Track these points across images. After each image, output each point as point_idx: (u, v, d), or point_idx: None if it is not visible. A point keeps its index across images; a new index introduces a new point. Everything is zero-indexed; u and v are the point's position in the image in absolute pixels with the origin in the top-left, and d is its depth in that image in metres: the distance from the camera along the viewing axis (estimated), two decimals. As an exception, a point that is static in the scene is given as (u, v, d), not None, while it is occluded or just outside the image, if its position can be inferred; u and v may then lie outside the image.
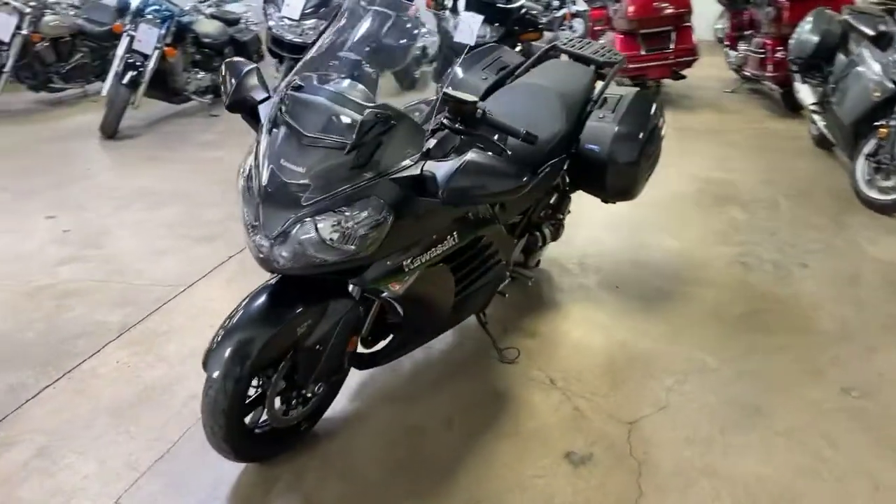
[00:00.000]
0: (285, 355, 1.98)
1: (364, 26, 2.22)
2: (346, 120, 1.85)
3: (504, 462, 2.19)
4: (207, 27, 6.49)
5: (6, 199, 4.40)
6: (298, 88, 1.94)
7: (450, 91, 1.98)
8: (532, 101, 2.83)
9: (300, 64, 2.02)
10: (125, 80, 5.53)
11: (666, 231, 3.92)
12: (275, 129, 1.90)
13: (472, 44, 2.10)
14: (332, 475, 2.13)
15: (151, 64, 5.72)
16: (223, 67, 2.11)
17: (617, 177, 2.84)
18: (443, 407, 2.45)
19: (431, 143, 1.91)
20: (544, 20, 6.75)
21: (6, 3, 6.10)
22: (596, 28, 8.40)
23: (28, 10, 6.16)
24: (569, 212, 3.16)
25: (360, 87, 2.01)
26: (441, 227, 2.02)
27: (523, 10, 6.04)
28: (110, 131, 5.60)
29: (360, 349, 2.24)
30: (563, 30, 7.74)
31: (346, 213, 1.78)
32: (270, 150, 1.88)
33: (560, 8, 8.02)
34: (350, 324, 2.05)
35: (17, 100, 6.72)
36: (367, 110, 1.81)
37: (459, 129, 1.94)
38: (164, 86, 6.09)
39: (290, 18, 5.51)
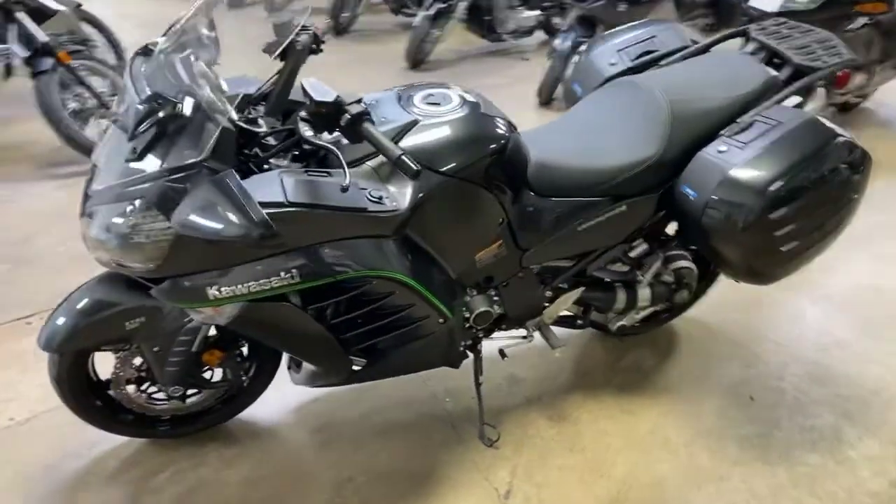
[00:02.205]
0: (120, 344, 1.81)
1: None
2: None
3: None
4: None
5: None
6: (147, 52, 1.63)
7: (307, 83, 1.47)
8: (627, 109, 1.99)
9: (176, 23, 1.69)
10: (431, 12, 5.59)
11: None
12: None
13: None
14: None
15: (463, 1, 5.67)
16: None
17: (719, 244, 1.87)
18: (356, 461, 2.02)
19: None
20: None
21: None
22: None
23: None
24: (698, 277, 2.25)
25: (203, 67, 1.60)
26: (270, 255, 1.54)
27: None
28: (412, 60, 5.79)
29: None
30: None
31: (122, 212, 1.46)
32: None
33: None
34: (193, 336, 1.77)
35: (382, 21, 7.36)
36: (148, 93, 1.44)
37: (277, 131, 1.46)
38: (480, 21, 6.00)
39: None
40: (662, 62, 2.21)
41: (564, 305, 2.14)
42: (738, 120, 1.92)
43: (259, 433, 2.15)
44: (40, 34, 3.68)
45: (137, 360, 1.88)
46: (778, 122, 1.86)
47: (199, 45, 1.64)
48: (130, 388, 1.92)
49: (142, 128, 1.42)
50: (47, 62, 3.68)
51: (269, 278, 1.54)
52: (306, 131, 1.49)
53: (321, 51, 1.80)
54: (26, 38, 3.69)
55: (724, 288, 2.41)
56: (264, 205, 1.43)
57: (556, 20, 6.06)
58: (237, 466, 2.02)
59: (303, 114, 1.52)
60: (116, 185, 1.47)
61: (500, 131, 1.76)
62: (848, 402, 2.25)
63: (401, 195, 1.62)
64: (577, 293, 2.13)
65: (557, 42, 4.80)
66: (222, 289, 1.54)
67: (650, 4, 4.68)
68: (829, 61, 2.01)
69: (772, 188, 1.77)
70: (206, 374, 1.95)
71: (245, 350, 1.99)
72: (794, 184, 1.78)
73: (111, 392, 1.92)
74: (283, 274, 1.55)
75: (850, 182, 1.87)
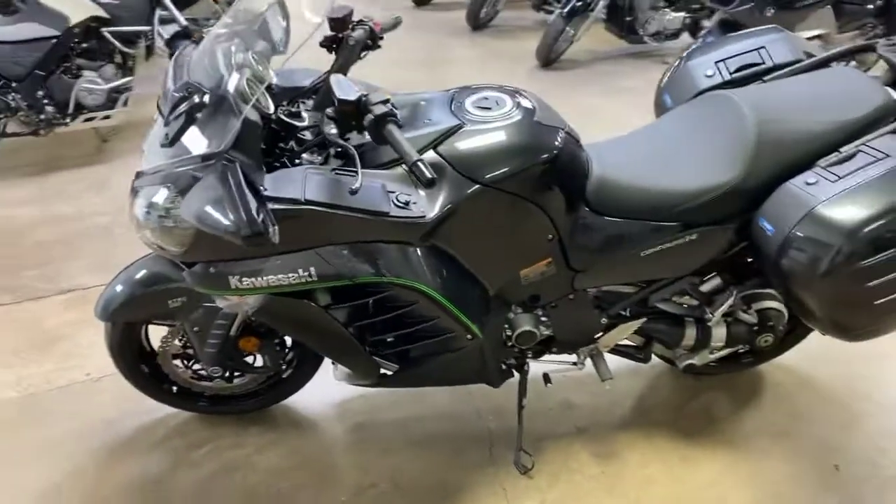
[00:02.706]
0: (164, 320, 1.88)
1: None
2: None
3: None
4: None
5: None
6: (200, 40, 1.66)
7: (334, 79, 1.44)
8: (711, 127, 1.79)
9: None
10: (565, 10, 5.41)
11: None
12: None
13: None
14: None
15: (603, -1, 5.44)
16: None
17: (798, 290, 1.64)
18: (384, 467, 1.99)
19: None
20: None
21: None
22: None
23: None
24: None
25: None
26: (285, 251, 1.52)
27: None
28: (543, 59, 5.64)
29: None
30: None
31: (157, 195, 1.50)
32: None
33: None
34: (230, 320, 1.80)
35: (523, 17, 7.23)
36: (183, 80, 1.46)
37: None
38: (620, 21, 5.74)
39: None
40: (767, 77, 1.96)
41: (623, 335, 1.97)
42: (840, 149, 1.66)
43: (298, 422, 2.17)
44: (181, 18, 3.93)
45: (180, 341, 1.95)
46: (886, 155, 1.59)
47: (258, 34, 1.66)
48: (177, 363, 2.00)
49: (174, 115, 1.45)
50: (183, 44, 3.93)
51: (287, 274, 1.53)
52: (331, 129, 1.46)
53: (378, 46, 1.76)
54: (168, 21, 3.96)
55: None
56: (280, 200, 1.41)
57: (705, 23, 5.68)
58: (270, 453, 2.05)
59: (329, 111, 1.49)
60: (152, 168, 1.51)
61: (550, 141, 1.63)
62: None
63: (431, 202, 1.55)
64: (637, 324, 1.95)
65: (698, 41, 4.48)
66: (244, 280, 1.54)
67: (804, 11, 4.24)
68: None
69: (865, 230, 1.52)
70: (248, 360, 1.98)
71: (288, 340, 2.01)
72: (890, 234, 1.51)
73: (159, 363, 2.00)
74: (300, 272, 1.53)
75: None
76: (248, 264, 1.53)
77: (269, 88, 1.63)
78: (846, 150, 1.65)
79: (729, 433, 2.12)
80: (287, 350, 2.02)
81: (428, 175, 1.33)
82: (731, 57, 2.02)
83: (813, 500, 1.90)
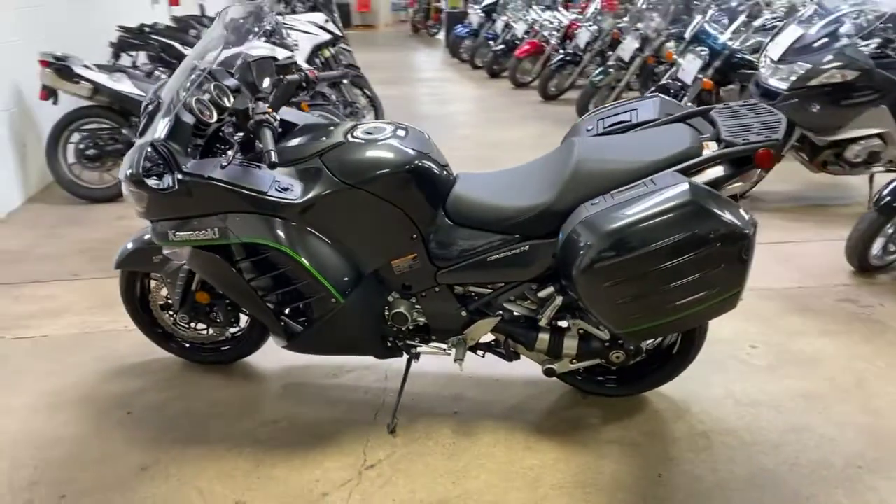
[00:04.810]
0: (152, 272, 2.61)
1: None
2: None
3: None
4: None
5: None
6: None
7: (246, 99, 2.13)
8: (552, 162, 2.27)
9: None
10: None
11: None
12: None
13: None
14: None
15: (689, 94, 5.80)
16: None
17: (571, 287, 2.03)
18: (288, 410, 2.53)
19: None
20: None
21: (636, 29, 7.07)
22: None
23: (653, 35, 6.97)
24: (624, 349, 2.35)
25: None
26: (205, 212, 2.17)
27: None
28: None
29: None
30: None
31: (123, 168, 2.23)
32: None
33: None
34: (188, 275, 2.49)
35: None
36: (153, 92, 2.22)
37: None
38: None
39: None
40: (630, 131, 2.36)
41: (484, 331, 2.38)
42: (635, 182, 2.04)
43: (247, 373, 2.78)
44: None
45: (164, 291, 2.66)
46: (655, 185, 1.95)
47: (227, 75, 2.39)
48: (162, 311, 2.71)
49: (143, 114, 2.21)
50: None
51: (200, 231, 2.19)
52: (228, 128, 2.13)
53: (313, 89, 2.43)
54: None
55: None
56: (193, 175, 2.09)
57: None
58: (215, 391, 2.66)
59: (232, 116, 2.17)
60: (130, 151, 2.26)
61: (404, 159, 2.18)
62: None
63: (305, 192, 2.16)
64: (493, 321, 2.35)
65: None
66: (176, 234, 2.23)
67: (852, 109, 4.31)
68: (750, 139, 1.99)
69: (607, 239, 1.89)
70: (210, 315, 2.63)
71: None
72: (630, 241, 1.86)
73: (151, 308, 2.73)
74: (208, 230, 2.18)
75: (705, 260, 1.86)
76: (178, 223, 2.21)
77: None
78: (636, 181, 2.02)
79: (584, 438, 2.39)
80: (239, 311, 2.65)
81: (272, 160, 1.96)
82: (609, 116, 2.45)
83: (613, 493, 2.14)
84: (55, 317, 3.24)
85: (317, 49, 5.91)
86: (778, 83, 4.50)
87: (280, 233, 2.18)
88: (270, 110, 2.14)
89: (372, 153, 2.19)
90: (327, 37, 5.93)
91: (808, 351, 2.93)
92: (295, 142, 2.29)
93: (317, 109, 5.04)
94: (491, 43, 11.04)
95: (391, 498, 2.12)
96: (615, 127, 2.38)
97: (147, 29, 5.99)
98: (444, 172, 2.29)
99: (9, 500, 2.12)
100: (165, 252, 2.35)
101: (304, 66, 2.46)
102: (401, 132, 2.28)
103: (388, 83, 10.54)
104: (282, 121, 2.39)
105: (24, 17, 5.07)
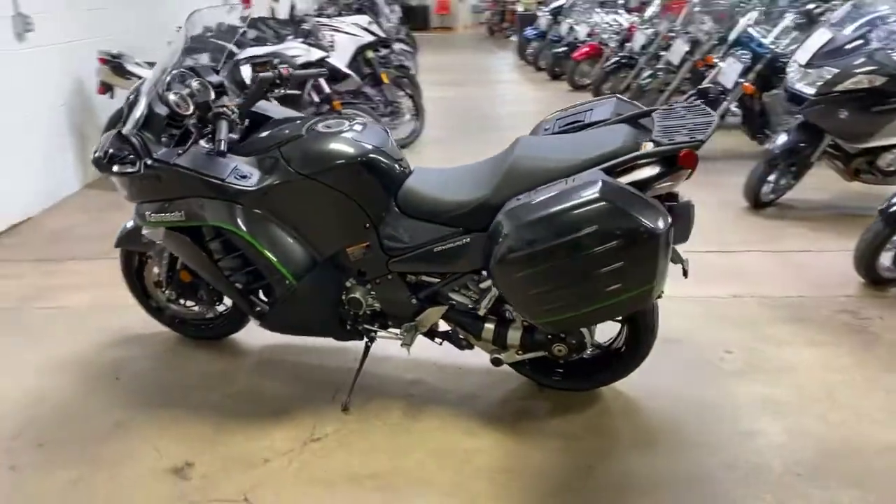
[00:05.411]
0: (146, 250, 2.85)
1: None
2: None
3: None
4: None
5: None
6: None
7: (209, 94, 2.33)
8: (496, 160, 2.37)
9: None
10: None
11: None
12: None
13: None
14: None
15: (729, 99, 5.67)
16: None
17: (490, 276, 2.12)
18: (259, 378, 2.72)
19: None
20: None
21: (686, 33, 6.94)
22: None
23: (704, 38, 6.82)
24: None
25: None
26: (172, 196, 2.38)
27: None
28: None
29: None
30: None
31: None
32: None
33: None
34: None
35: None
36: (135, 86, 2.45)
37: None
38: (751, 123, 5.87)
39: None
40: (581, 130, 2.40)
41: (433, 319, 2.49)
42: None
43: (232, 350, 2.99)
44: (326, 88, 5.18)
45: (156, 269, 2.90)
46: (573, 183, 2.00)
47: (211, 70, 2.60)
48: (156, 289, 2.95)
49: (126, 105, 2.44)
50: (323, 107, 5.16)
51: (169, 213, 2.40)
52: (191, 120, 2.32)
53: (286, 87, 2.59)
54: (318, 89, 5.24)
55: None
56: (161, 161, 2.31)
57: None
58: (200, 365, 2.88)
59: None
60: None
61: (355, 151, 2.31)
62: None
63: (261, 181, 2.33)
64: (442, 310, 2.46)
65: (770, 143, 4.59)
66: (152, 216, 2.45)
67: (884, 116, 4.13)
68: (675, 140, 2.02)
69: (519, 231, 1.97)
70: (197, 293, 2.85)
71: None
72: (540, 233, 1.93)
73: (146, 284, 2.97)
74: (177, 213, 2.40)
75: (612, 255, 1.91)
76: (153, 206, 2.43)
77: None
78: (561, 179, 2.08)
79: (526, 427, 2.46)
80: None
81: (219, 149, 2.14)
82: (566, 116, 2.50)
83: (535, 480, 2.21)
84: (78, 291, 3.56)
85: (361, 50, 6.13)
86: (805, 88, 4.37)
87: (237, 217, 2.36)
88: (230, 104, 2.32)
89: (325, 146, 2.34)
90: (371, 38, 6.14)
91: (785, 359, 2.88)
92: (263, 134, 2.46)
93: (350, 108, 5.27)
94: (556, 45, 11.03)
95: (326, 468, 2.26)
96: (569, 126, 2.44)
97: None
98: (397, 166, 2.41)
99: (-5, 445, 2.40)
100: (144, 232, 2.58)
101: (312, 64, 2.63)
102: (358, 127, 2.42)
103: (450, 84, 10.73)
104: (258, 114, 2.57)
105: (96, 17, 5.52)
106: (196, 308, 2.96)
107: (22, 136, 4.70)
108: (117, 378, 2.79)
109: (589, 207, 1.91)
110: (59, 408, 2.60)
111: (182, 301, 2.94)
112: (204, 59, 5.15)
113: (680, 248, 2.23)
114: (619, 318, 2.40)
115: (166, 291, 2.86)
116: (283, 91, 2.62)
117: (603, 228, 1.90)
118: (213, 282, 2.59)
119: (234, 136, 2.44)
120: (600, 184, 1.94)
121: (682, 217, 2.31)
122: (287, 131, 2.41)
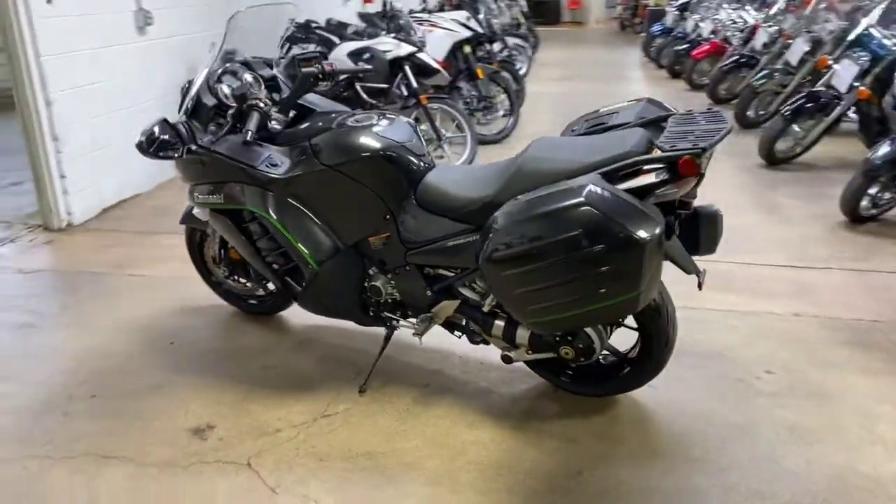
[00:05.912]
0: (205, 228, 3.11)
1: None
2: None
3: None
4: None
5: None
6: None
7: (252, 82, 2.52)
8: (511, 160, 2.38)
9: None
10: (789, 109, 5.39)
11: None
12: None
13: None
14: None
15: (843, 103, 5.27)
16: None
17: (481, 273, 2.17)
18: (287, 358, 2.91)
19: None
20: None
21: (808, 31, 6.49)
22: None
23: (827, 38, 6.36)
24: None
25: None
26: (214, 180, 2.59)
27: None
28: (764, 156, 5.63)
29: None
30: None
31: None
32: None
33: None
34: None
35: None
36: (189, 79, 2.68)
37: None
38: (867, 130, 5.41)
39: None
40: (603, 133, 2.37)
41: (448, 311, 2.55)
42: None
43: (279, 326, 3.20)
44: (413, 82, 5.32)
45: (216, 246, 3.15)
46: (567, 186, 2.00)
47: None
48: (215, 265, 3.21)
49: (181, 94, 2.68)
50: (411, 101, 5.32)
51: (212, 196, 2.62)
52: (232, 112, 2.51)
53: (330, 80, 2.73)
54: (406, 85, 5.39)
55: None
56: (204, 147, 2.52)
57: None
58: (245, 337, 3.11)
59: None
60: None
61: (377, 146, 2.42)
62: None
63: (290, 170, 2.49)
64: (455, 304, 2.52)
65: (872, 153, 4.24)
66: (199, 197, 2.69)
67: None
68: (677, 147, 1.96)
69: (506, 230, 2.00)
70: (246, 270, 3.07)
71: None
72: (526, 233, 1.95)
73: (206, 260, 3.24)
74: (218, 195, 2.61)
75: (594, 260, 1.90)
76: (200, 188, 2.66)
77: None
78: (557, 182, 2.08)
79: (528, 426, 2.47)
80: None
81: (245, 138, 2.32)
82: (593, 118, 2.48)
83: (523, 478, 2.22)
84: (162, 262, 3.93)
85: (459, 45, 6.23)
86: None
87: (267, 203, 2.54)
88: (263, 97, 2.49)
89: (350, 139, 2.46)
90: (467, 33, 6.22)
91: (828, 385, 2.69)
92: (302, 126, 2.62)
93: (437, 102, 5.38)
94: (679, 42, 10.62)
95: (328, 443, 2.40)
96: (593, 128, 2.41)
97: (313, 24, 6.72)
98: (419, 161, 2.49)
99: (59, 392, 2.72)
100: (195, 212, 2.83)
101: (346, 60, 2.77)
102: (385, 122, 2.52)
103: (563, 80, 10.63)
104: (304, 106, 2.73)
105: (211, 10, 5.98)
106: (248, 285, 3.19)
107: (138, 121, 5.19)
108: (171, 343, 3.07)
109: (573, 211, 1.91)
110: (118, 365, 2.90)
111: (235, 277, 3.18)
112: (310, 47, 5.46)
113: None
114: (611, 323, 2.35)
115: (221, 268, 3.11)
116: (326, 84, 2.76)
117: (585, 233, 1.89)
118: (252, 261, 2.79)
119: (278, 126, 2.61)
120: (588, 188, 1.93)
121: (703, 227, 2.25)
122: (320, 124, 2.56)
